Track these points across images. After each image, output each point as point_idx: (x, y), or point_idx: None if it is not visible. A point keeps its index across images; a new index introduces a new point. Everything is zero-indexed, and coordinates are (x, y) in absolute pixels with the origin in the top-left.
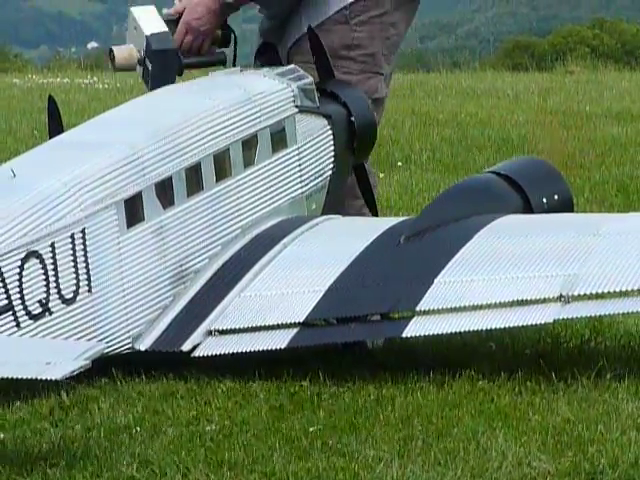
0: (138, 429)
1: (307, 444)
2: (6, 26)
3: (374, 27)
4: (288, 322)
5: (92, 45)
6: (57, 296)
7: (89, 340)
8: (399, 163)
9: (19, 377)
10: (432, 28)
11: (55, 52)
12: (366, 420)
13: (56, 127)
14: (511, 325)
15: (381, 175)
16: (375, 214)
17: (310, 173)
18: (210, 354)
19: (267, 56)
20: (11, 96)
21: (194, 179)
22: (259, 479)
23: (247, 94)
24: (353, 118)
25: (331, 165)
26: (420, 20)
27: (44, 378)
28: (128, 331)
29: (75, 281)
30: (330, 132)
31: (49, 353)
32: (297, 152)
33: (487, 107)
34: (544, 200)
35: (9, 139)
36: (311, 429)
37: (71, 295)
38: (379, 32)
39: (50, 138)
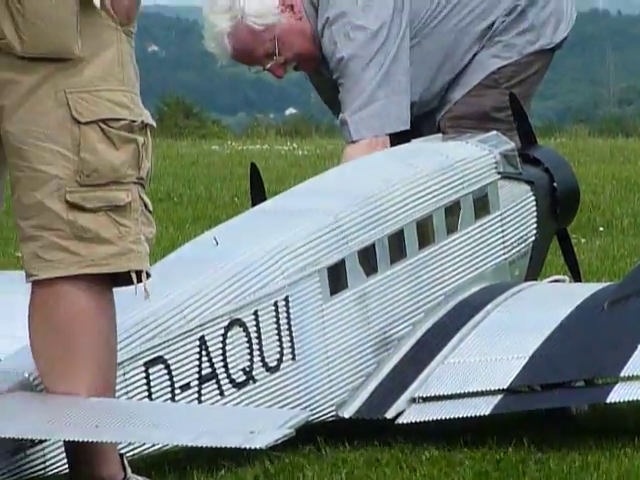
0: None
1: None
2: (205, 93)
3: (523, 88)
4: (492, 389)
5: (290, 111)
6: (261, 364)
7: (293, 408)
8: (600, 228)
9: (223, 446)
10: (630, 92)
11: (253, 119)
12: None
13: (259, 195)
14: None
15: (582, 240)
16: (578, 280)
17: (513, 239)
18: (414, 421)
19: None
20: (211, 163)
21: (397, 246)
22: None
23: (449, 161)
24: (555, 184)
25: (534, 231)
26: (617, 84)
27: (248, 447)
28: (332, 399)
29: (279, 349)
30: (533, 198)
31: (253, 422)
32: (500, 218)
33: None
34: None
35: (209, 206)
36: None
37: (275, 363)
38: (527, 91)
39: (253, 206)
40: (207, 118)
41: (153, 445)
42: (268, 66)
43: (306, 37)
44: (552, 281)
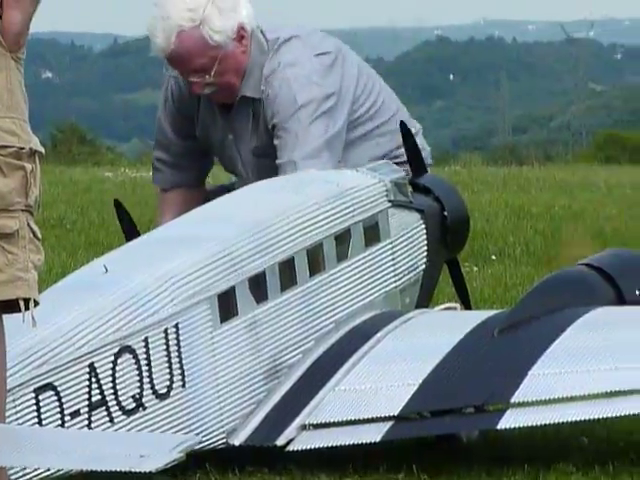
0: None
1: None
2: (99, 120)
3: None
4: (382, 415)
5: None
6: (151, 391)
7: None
8: (493, 256)
9: (113, 470)
10: (524, 121)
11: (147, 145)
12: None
13: (130, 229)
14: (604, 416)
15: (475, 268)
16: (468, 307)
17: (404, 267)
18: (304, 448)
19: None
20: (104, 190)
21: (287, 274)
22: None
23: (340, 189)
24: (446, 212)
25: (424, 259)
26: (512, 112)
27: (138, 471)
28: (222, 426)
29: (169, 376)
30: (423, 226)
31: (143, 446)
32: (391, 246)
33: (580, 200)
34: (637, 292)
35: (101, 233)
36: None
37: (165, 390)
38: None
39: (127, 241)
40: (101, 145)
41: (44, 471)
42: (193, 79)
43: (239, 71)
44: (443, 308)
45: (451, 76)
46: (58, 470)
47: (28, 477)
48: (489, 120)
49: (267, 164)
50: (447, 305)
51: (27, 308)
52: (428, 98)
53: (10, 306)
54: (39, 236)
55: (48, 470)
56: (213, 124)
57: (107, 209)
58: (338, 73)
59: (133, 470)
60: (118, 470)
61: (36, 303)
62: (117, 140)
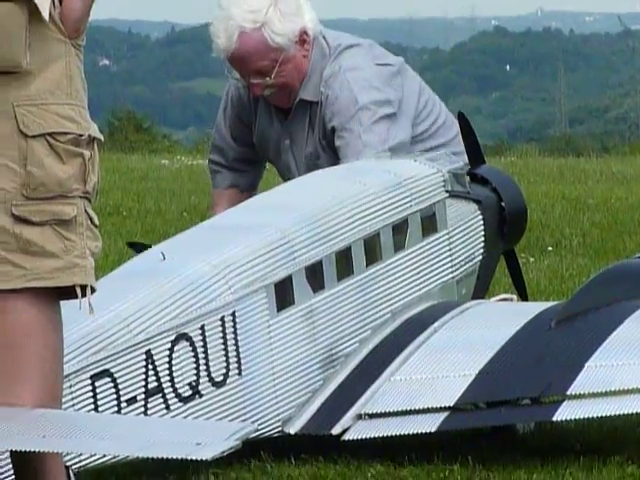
0: None
1: None
2: (156, 107)
3: None
4: (438, 406)
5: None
6: (207, 379)
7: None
8: (549, 248)
9: (169, 457)
10: (581, 112)
11: (203, 133)
12: None
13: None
14: None
15: (531, 259)
16: (525, 299)
17: (460, 258)
18: (360, 438)
19: None
20: (160, 177)
21: (344, 263)
22: None
23: (398, 178)
24: (503, 203)
25: (481, 250)
26: (569, 104)
27: (194, 458)
28: (278, 414)
29: (225, 364)
30: (480, 217)
31: (199, 433)
32: (447, 237)
33: (637, 192)
34: None
35: (158, 220)
36: None
37: (221, 378)
38: None
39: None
40: (157, 133)
41: (99, 457)
42: (253, 81)
43: (300, 75)
44: (500, 300)
45: (507, 67)
46: (114, 456)
47: (84, 463)
48: (545, 111)
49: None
50: (503, 296)
51: (84, 295)
52: (485, 89)
53: (67, 293)
54: (97, 223)
55: (104, 456)
56: (270, 128)
57: (164, 197)
58: (399, 85)
59: (189, 457)
60: (174, 457)
61: (93, 290)
62: (174, 128)
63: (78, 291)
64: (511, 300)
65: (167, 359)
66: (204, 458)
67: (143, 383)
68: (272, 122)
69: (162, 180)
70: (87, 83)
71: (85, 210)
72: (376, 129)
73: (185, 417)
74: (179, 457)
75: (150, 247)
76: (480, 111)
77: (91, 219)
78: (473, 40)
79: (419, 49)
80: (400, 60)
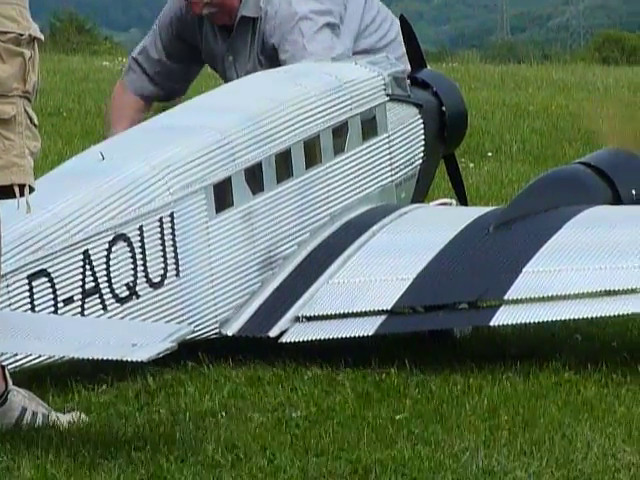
0: (224, 414)
1: (393, 432)
2: (97, 9)
3: None
4: (376, 309)
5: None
6: (145, 280)
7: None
8: (489, 153)
9: (104, 358)
10: (523, 20)
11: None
12: (452, 409)
13: None
14: (598, 315)
15: (471, 165)
16: (464, 203)
17: (400, 161)
18: (297, 340)
19: None
20: (101, 79)
21: (284, 165)
22: (344, 466)
23: (338, 81)
24: (444, 108)
25: (421, 154)
26: (511, 11)
27: (130, 360)
28: (216, 316)
29: (163, 265)
30: (421, 121)
31: (135, 335)
32: (387, 140)
33: (577, 99)
34: (633, 192)
35: (98, 121)
36: (397, 417)
37: (159, 279)
38: None
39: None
40: (99, 34)
41: (35, 357)
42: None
43: None
44: (439, 204)
45: None
46: (49, 356)
47: (20, 363)
48: (488, 18)
49: None
50: (443, 200)
51: (22, 194)
52: None
53: (5, 192)
54: (36, 123)
55: (39, 356)
56: (215, 45)
57: (104, 98)
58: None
59: (124, 359)
60: (109, 359)
61: (31, 189)
62: (116, 30)
63: (16, 190)
64: (450, 204)
65: (105, 259)
66: (140, 359)
67: (80, 283)
68: (217, 40)
69: (103, 81)
70: None
71: (25, 109)
72: (319, 37)
73: (122, 318)
74: (114, 358)
75: None
76: (422, 16)
77: (30, 119)
78: None
79: None
80: None
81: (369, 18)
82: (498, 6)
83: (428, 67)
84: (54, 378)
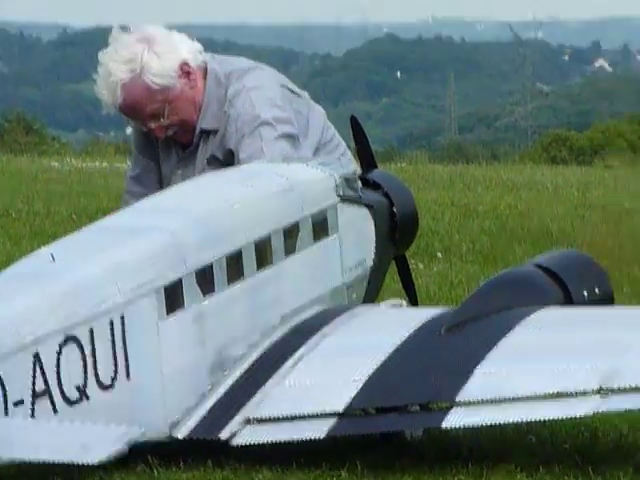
0: None
1: None
2: (46, 110)
3: None
4: (327, 412)
5: (130, 129)
6: (95, 382)
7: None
8: (439, 254)
9: (56, 461)
10: (471, 120)
11: (93, 135)
12: None
13: None
14: (550, 418)
15: (420, 266)
16: (415, 304)
17: (351, 262)
18: (248, 442)
19: None
20: (49, 179)
21: (235, 266)
22: None
23: (289, 182)
24: (395, 208)
25: (372, 255)
26: (459, 111)
27: (81, 462)
28: (166, 418)
29: (113, 367)
30: (372, 221)
31: (85, 437)
32: (339, 241)
33: (526, 199)
34: (585, 293)
35: (47, 222)
36: None
37: (109, 381)
38: None
39: None
40: (47, 135)
41: None
42: (151, 126)
43: (195, 106)
44: (390, 305)
45: (398, 74)
46: None
47: None
48: (436, 118)
49: None
50: (393, 301)
51: None
52: (375, 95)
53: None
54: None
55: None
56: (167, 160)
57: (53, 199)
58: (304, 110)
59: (74, 462)
60: (59, 461)
61: None
62: (64, 130)
63: None
64: (401, 305)
65: (55, 361)
66: (90, 462)
67: (30, 385)
68: (170, 155)
69: (52, 182)
70: None
71: None
72: (278, 145)
73: (72, 420)
74: (64, 461)
75: None
76: (370, 117)
77: None
78: (365, 47)
79: (311, 55)
80: (305, 93)
81: (329, 135)
82: (445, 106)
83: (379, 168)
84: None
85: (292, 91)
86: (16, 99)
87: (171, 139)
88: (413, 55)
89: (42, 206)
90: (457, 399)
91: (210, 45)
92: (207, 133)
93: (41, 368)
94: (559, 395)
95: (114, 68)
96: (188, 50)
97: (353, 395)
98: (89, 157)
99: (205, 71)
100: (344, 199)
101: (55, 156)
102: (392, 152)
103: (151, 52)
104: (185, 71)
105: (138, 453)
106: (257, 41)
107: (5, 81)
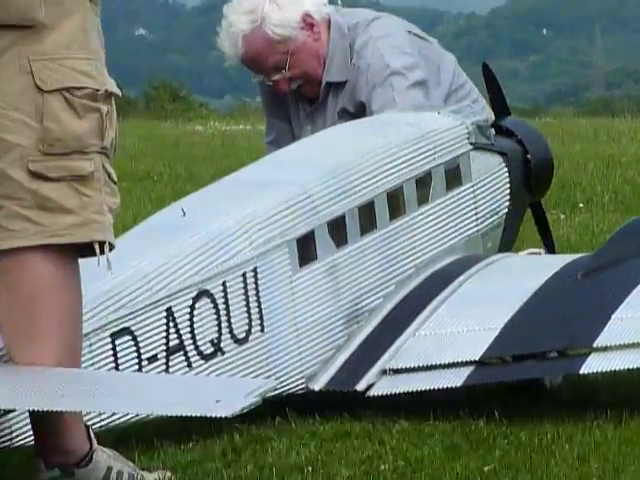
0: (311, 469)
1: None
2: (192, 76)
3: None
4: (463, 360)
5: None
6: (229, 336)
7: None
8: (581, 204)
9: (188, 415)
10: (618, 74)
11: (240, 101)
12: (542, 458)
13: None
14: None
15: (562, 216)
16: (552, 252)
17: (485, 211)
18: (384, 393)
19: None
20: (192, 143)
21: (367, 217)
22: None
23: (421, 131)
24: (529, 155)
25: (507, 203)
26: (607, 67)
27: (214, 416)
28: (302, 371)
29: (247, 320)
30: (505, 169)
31: (219, 391)
32: (472, 190)
33: None
34: None
35: (188, 185)
36: (486, 468)
37: (243, 335)
38: None
39: None
40: (194, 101)
41: (119, 416)
42: (274, 78)
43: (318, 59)
44: (527, 254)
45: (545, 30)
46: (134, 415)
47: (105, 422)
48: (583, 74)
49: None
50: (531, 250)
51: (102, 252)
52: (521, 53)
53: (85, 250)
54: (115, 179)
55: (124, 415)
56: (296, 118)
57: (195, 162)
58: (435, 56)
59: (207, 415)
60: (193, 415)
61: (111, 247)
62: (210, 97)
63: (96, 248)
64: (539, 254)
65: (188, 316)
66: (223, 415)
67: (164, 341)
68: (298, 112)
69: (195, 145)
70: (123, 52)
71: (103, 166)
72: (410, 94)
73: (207, 374)
74: (198, 415)
75: None
76: (517, 75)
77: (109, 175)
78: (509, 4)
79: (455, 14)
80: (435, 40)
81: (460, 81)
82: (592, 62)
83: (511, 114)
84: (139, 437)
85: (421, 37)
86: (162, 66)
87: (297, 94)
88: (558, 11)
89: (184, 169)
90: (595, 344)
91: (354, 4)
92: (334, 86)
93: (174, 323)
94: None
95: (235, 19)
96: (312, 2)
97: (490, 343)
98: (234, 120)
99: (329, 23)
100: (477, 147)
101: (199, 120)
102: (539, 109)
103: (272, 3)
104: (308, 23)
105: (275, 406)
106: (401, 2)
107: (151, 48)
